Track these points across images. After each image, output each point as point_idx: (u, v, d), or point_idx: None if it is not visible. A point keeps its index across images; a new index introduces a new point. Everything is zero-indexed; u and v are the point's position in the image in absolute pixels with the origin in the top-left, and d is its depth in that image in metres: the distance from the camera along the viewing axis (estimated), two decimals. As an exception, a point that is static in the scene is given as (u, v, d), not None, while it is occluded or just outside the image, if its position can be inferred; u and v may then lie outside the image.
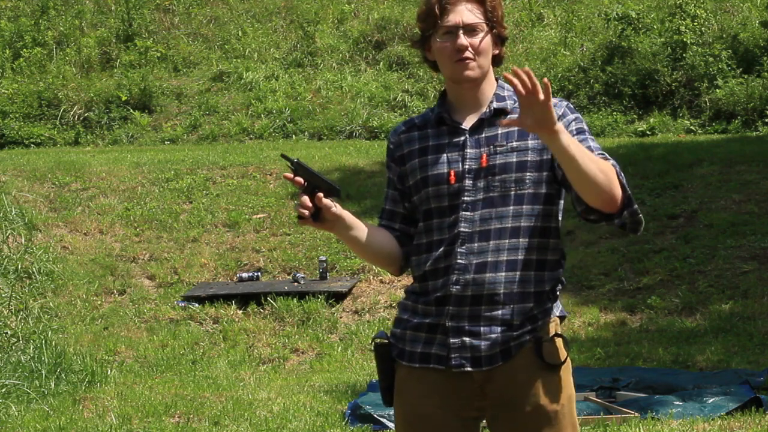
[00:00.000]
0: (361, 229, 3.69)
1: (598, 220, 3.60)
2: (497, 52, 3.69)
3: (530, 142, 3.63)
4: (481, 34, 3.63)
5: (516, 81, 3.33)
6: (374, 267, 11.08)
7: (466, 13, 3.62)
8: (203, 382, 9.15)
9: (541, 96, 3.33)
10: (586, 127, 3.65)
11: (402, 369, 3.71)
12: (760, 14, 16.94)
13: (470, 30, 3.62)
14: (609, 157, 3.58)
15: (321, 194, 3.55)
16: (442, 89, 3.78)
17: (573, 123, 3.66)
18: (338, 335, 10.44)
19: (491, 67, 3.70)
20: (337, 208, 3.59)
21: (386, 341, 3.74)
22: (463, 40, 3.60)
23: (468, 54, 3.61)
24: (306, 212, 3.55)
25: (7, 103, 17.42)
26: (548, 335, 3.65)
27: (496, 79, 3.74)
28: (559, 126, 3.39)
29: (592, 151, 3.53)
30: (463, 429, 3.69)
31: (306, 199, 3.56)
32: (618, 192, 3.52)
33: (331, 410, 7.97)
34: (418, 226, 3.71)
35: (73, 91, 17.57)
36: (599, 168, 3.46)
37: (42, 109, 17.48)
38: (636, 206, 3.56)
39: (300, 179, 3.57)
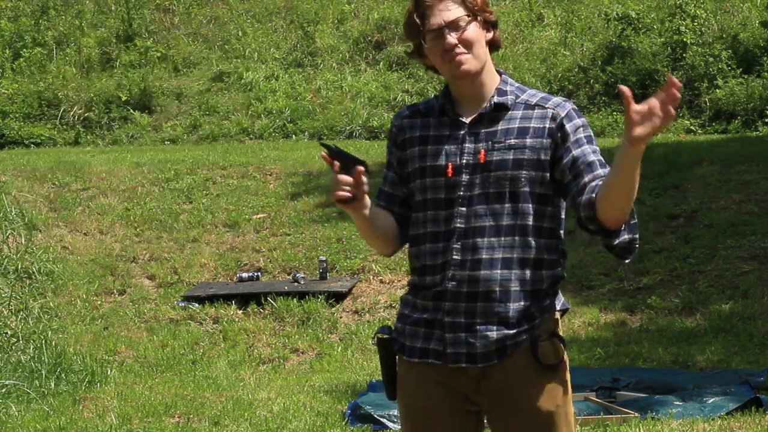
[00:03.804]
0: (373, 210, 3.69)
1: (595, 232, 3.55)
2: (490, 36, 3.66)
3: (528, 141, 3.61)
4: (465, 25, 3.60)
5: (675, 89, 3.34)
6: (375, 267, 11.08)
7: (445, 12, 3.60)
8: (203, 382, 9.14)
9: (672, 113, 3.35)
10: (593, 137, 3.64)
11: (403, 364, 3.73)
12: (760, 14, 16.93)
13: (454, 26, 3.60)
14: None
15: (361, 168, 3.55)
16: (446, 82, 3.75)
17: (581, 130, 3.64)
18: (338, 335, 10.44)
19: (489, 56, 3.66)
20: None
21: (388, 336, 3.75)
22: (451, 38, 3.59)
23: (459, 50, 3.59)
24: (349, 194, 3.55)
25: (7, 103, 17.41)
26: (545, 335, 3.64)
27: (500, 73, 3.71)
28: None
29: (603, 166, 3.54)
30: (463, 422, 3.70)
31: (345, 177, 3.55)
32: (627, 215, 3.51)
33: (331, 410, 7.97)
34: (413, 216, 3.71)
35: (73, 91, 17.57)
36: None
37: (42, 109, 17.47)
38: (638, 235, 3.54)
39: (337, 163, 3.57)
